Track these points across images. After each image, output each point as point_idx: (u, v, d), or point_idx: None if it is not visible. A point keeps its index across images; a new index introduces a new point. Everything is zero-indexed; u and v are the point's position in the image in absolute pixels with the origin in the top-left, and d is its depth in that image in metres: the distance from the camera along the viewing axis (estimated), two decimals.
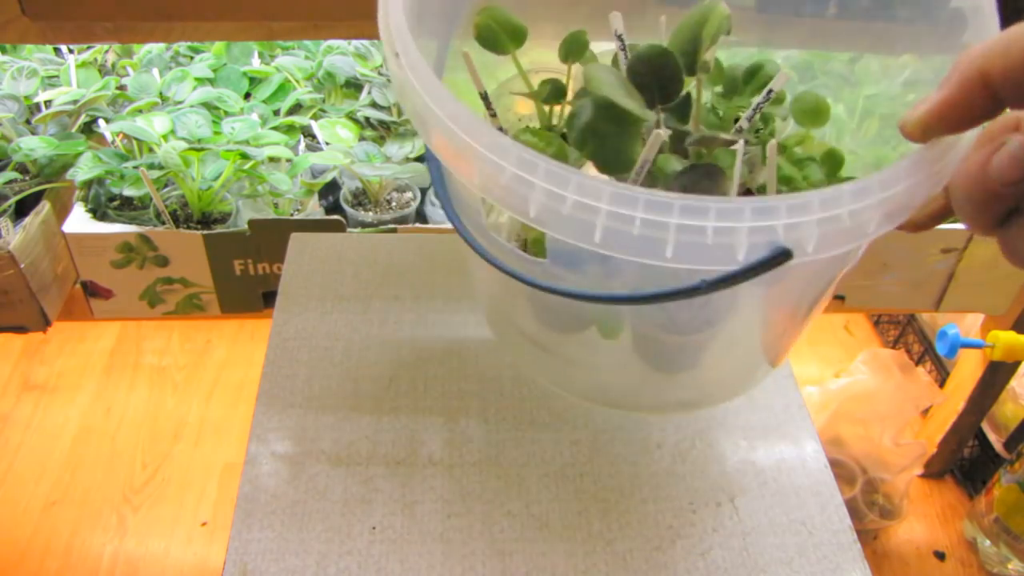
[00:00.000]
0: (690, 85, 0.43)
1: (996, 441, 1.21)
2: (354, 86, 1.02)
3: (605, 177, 0.34)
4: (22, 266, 0.76)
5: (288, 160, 0.87)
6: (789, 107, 0.46)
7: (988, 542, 1.14)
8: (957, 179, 0.30)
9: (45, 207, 0.81)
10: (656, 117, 0.41)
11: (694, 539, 0.48)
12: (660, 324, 0.42)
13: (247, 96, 0.99)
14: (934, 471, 1.26)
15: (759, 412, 0.55)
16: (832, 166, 0.45)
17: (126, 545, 1.11)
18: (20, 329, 0.82)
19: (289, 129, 0.93)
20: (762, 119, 0.46)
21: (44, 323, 0.81)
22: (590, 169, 0.40)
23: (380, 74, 1.01)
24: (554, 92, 0.46)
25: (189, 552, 1.11)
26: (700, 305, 0.40)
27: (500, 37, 0.44)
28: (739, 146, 0.40)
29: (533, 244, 0.43)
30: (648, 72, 0.40)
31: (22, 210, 0.80)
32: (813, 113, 0.45)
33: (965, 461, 1.26)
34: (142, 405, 1.31)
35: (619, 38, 0.43)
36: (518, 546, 0.47)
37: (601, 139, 0.39)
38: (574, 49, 0.46)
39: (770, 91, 0.43)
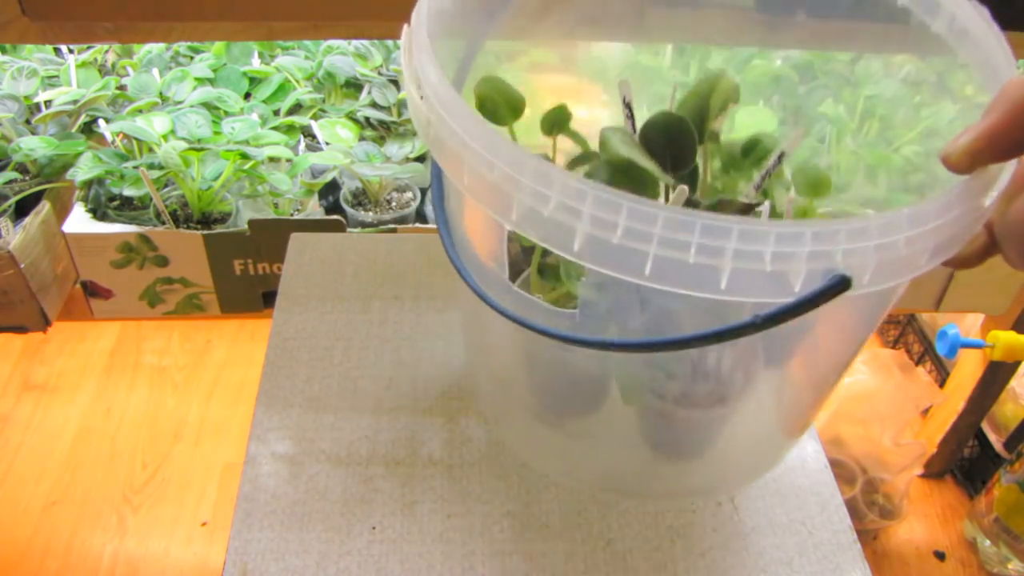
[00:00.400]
0: (697, 155, 0.43)
1: (996, 441, 1.21)
2: (354, 86, 1.02)
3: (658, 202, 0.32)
4: (22, 266, 0.76)
5: (288, 160, 0.87)
6: (791, 178, 0.46)
7: (988, 542, 1.14)
8: (1013, 216, 0.29)
9: (45, 207, 0.81)
10: (671, 181, 0.40)
11: (694, 539, 0.48)
12: (675, 397, 0.40)
13: (247, 96, 0.99)
14: (934, 471, 1.26)
15: None
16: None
17: (126, 545, 1.11)
18: (20, 329, 0.82)
19: (289, 129, 0.93)
20: (762, 192, 0.46)
21: (44, 323, 0.81)
22: None
23: (380, 74, 1.01)
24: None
25: (189, 552, 1.11)
26: (718, 373, 0.38)
27: (500, 109, 0.44)
28: (764, 207, 0.39)
29: (558, 301, 0.42)
30: (662, 139, 0.39)
31: (22, 210, 0.80)
32: (815, 184, 0.45)
33: (965, 461, 1.26)
34: (142, 405, 1.31)
35: (627, 106, 0.43)
36: (518, 546, 0.47)
37: None
38: (557, 122, 0.46)
39: (782, 153, 0.42)
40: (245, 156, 0.83)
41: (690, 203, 0.42)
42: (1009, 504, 1.09)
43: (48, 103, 0.90)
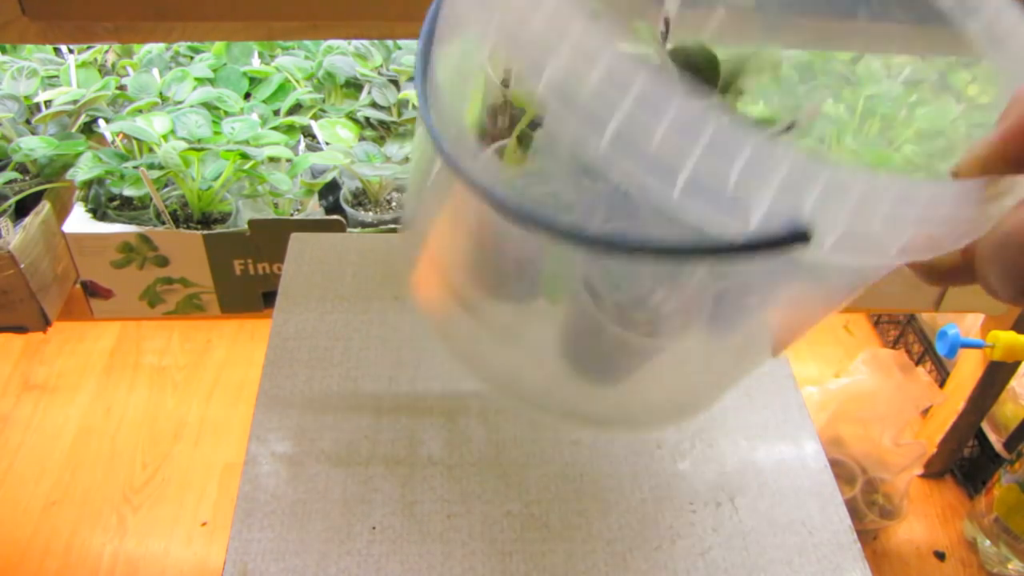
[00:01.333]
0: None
1: (996, 441, 1.21)
2: (354, 86, 1.02)
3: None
4: (22, 266, 0.76)
5: (288, 160, 0.87)
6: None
7: (988, 542, 1.14)
8: (999, 236, 0.26)
9: (45, 207, 0.81)
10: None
11: (694, 539, 0.48)
12: (610, 308, 0.36)
13: (247, 96, 0.99)
14: (934, 471, 1.26)
15: (759, 412, 0.55)
16: None
17: (126, 545, 1.11)
18: (20, 329, 0.82)
19: (289, 129, 0.93)
20: None
21: (44, 323, 0.81)
22: None
23: (380, 74, 1.01)
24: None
25: (189, 552, 1.11)
26: (658, 307, 0.36)
27: None
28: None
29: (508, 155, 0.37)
30: (686, 68, 0.38)
31: (22, 210, 0.80)
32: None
33: (965, 461, 1.26)
34: (142, 405, 1.31)
35: (664, 20, 0.40)
36: (518, 546, 0.47)
37: None
38: None
39: (791, 124, 0.41)
40: (245, 156, 0.83)
41: None
42: (1009, 504, 1.09)
43: (48, 103, 0.90)
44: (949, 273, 0.30)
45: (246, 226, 0.81)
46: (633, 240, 0.27)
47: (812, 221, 0.24)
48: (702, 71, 0.38)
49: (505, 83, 0.37)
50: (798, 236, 0.24)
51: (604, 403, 0.45)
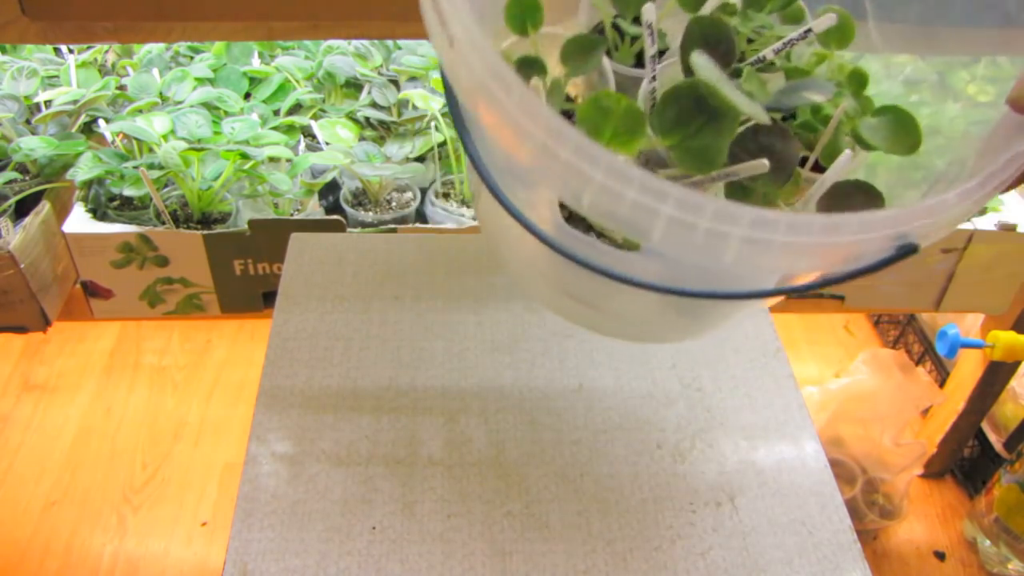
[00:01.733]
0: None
1: (996, 441, 1.21)
2: (354, 86, 1.02)
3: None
4: (22, 266, 0.76)
5: (288, 160, 0.87)
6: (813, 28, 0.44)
7: (988, 542, 1.14)
8: None
9: (45, 207, 0.81)
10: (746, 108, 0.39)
11: (694, 539, 0.48)
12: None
13: (247, 96, 0.99)
14: (934, 471, 1.26)
15: (759, 412, 0.55)
16: (858, 86, 0.43)
17: (126, 545, 1.11)
18: (20, 329, 0.82)
19: (289, 129, 0.93)
20: (785, 55, 0.44)
21: (44, 323, 0.81)
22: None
23: (380, 74, 1.01)
24: (536, 69, 0.42)
25: (189, 552, 1.11)
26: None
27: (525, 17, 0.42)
28: (845, 154, 0.38)
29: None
30: (703, 46, 0.37)
31: (22, 210, 0.80)
32: (839, 33, 0.43)
33: (965, 461, 1.26)
34: (142, 405, 1.31)
35: (648, 26, 0.41)
36: (518, 546, 0.47)
37: (694, 131, 0.35)
38: (528, 14, 0.43)
39: (808, 30, 0.41)
40: (245, 156, 0.83)
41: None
42: (1009, 504, 1.09)
43: (48, 103, 0.90)
44: None
45: (246, 226, 0.81)
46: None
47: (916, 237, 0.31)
48: (720, 43, 0.38)
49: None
50: (910, 250, 0.31)
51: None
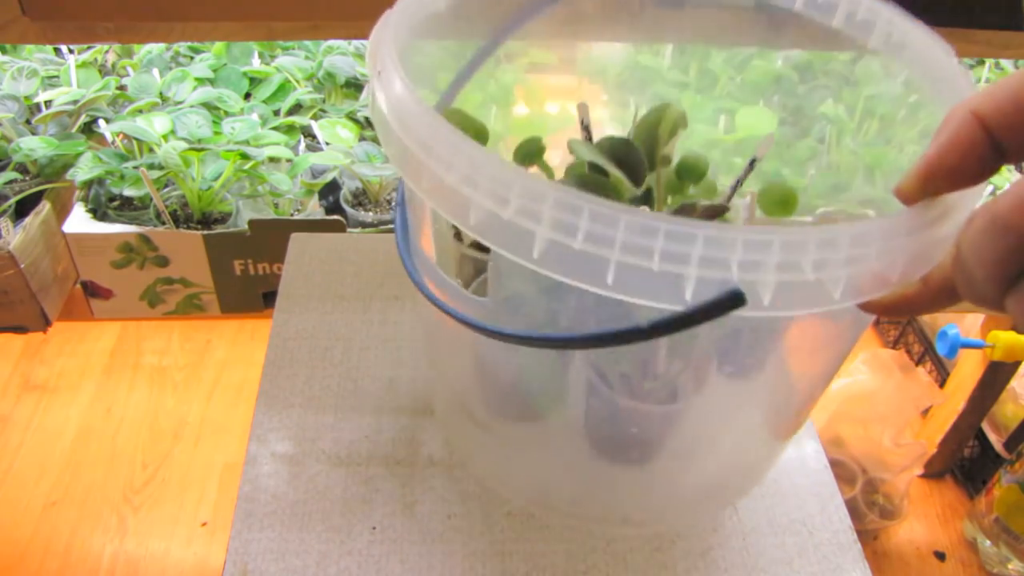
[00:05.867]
0: (650, 178, 0.43)
1: (996, 441, 1.21)
2: (354, 86, 1.02)
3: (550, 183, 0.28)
4: (22, 266, 0.76)
5: (288, 160, 0.87)
6: (757, 198, 0.45)
7: (988, 542, 1.14)
8: (974, 230, 0.24)
9: (45, 207, 0.81)
10: (636, 192, 0.40)
11: (694, 539, 0.48)
12: (622, 387, 0.38)
13: (247, 96, 0.99)
14: (934, 471, 1.26)
15: None
16: None
17: (126, 545, 1.11)
18: (20, 329, 0.82)
19: (289, 129, 0.93)
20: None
21: (44, 323, 0.81)
22: None
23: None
24: None
25: (189, 552, 1.11)
26: (662, 371, 0.37)
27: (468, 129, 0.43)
28: (747, 200, 0.39)
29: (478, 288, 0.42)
30: (613, 162, 0.40)
31: (22, 210, 0.80)
32: (781, 204, 0.44)
33: (965, 461, 1.26)
34: (142, 405, 1.31)
35: (585, 128, 0.43)
36: (518, 546, 0.47)
37: None
38: (530, 155, 0.45)
39: (753, 160, 0.43)
40: (245, 156, 0.83)
41: None
42: (1009, 504, 1.09)
43: (48, 103, 0.90)
44: (917, 303, 0.29)
45: (246, 226, 0.81)
46: (587, 335, 0.30)
47: (743, 282, 0.26)
48: (629, 156, 0.40)
49: (456, 236, 0.43)
50: (734, 299, 0.26)
51: (640, 493, 0.46)
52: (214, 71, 0.98)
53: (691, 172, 0.44)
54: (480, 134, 0.43)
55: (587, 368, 0.38)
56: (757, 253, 0.26)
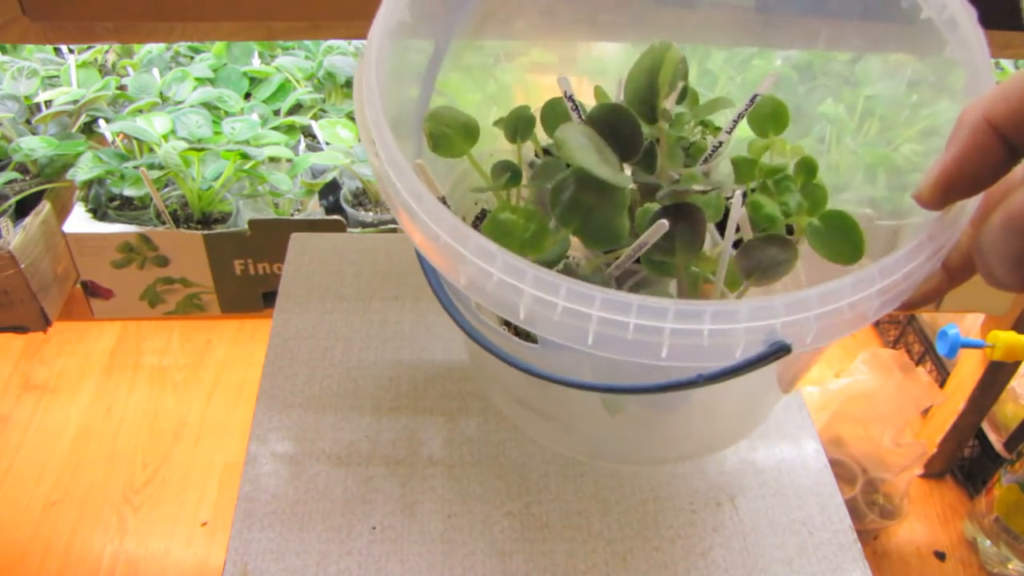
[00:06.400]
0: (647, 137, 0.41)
1: (996, 441, 1.21)
2: None
3: (595, 288, 0.30)
4: (22, 266, 0.76)
5: (288, 160, 0.87)
6: (748, 121, 0.44)
7: (988, 542, 1.14)
8: (994, 226, 0.25)
9: (45, 207, 0.81)
10: (629, 180, 0.39)
11: (694, 539, 0.48)
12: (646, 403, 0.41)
13: (247, 96, 0.99)
14: (934, 471, 1.26)
15: None
16: (807, 175, 0.43)
17: (126, 545, 1.11)
18: (20, 329, 0.82)
19: (289, 129, 0.93)
20: (712, 131, 0.45)
21: (44, 323, 0.81)
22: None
23: None
24: (512, 177, 0.44)
25: (189, 552, 1.11)
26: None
27: (454, 140, 0.42)
28: (736, 196, 0.38)
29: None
30: (607, 131, 0.38)
31: (22, 210, 0.80)
32: (773, 119, 0.44)
33: (965, 461, 1.26)
34: (142, 405, 1.31)
35: (570, 99, 0.42)
36: (518, 546, 0.47)
37: (586, 213, 0.37)
38: (521, 127, 0.45)
39: (755, 97, 0.42)
40: (245, 156, 0.83)
41: (648, 188, 0.41)
42: (1009, 504, 1.09)
43: (48, 103, 0.90)
44: (929, 295, 0.32)
45: (246, 226, 0.81)
46: (662, 384, 0.33)
47: (786, 335, 0.29)
48: (621, 124, 0.39)
49: None
50: (780, 350, 0.29)
51: (680, 445, 0.49)
52: (214, 71, 0.98)
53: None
54: (469, 128, 0.43)
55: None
56: (799, 311, 0.29)
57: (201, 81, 0.96)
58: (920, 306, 0.33)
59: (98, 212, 0.84)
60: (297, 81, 1.00)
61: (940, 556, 1.17)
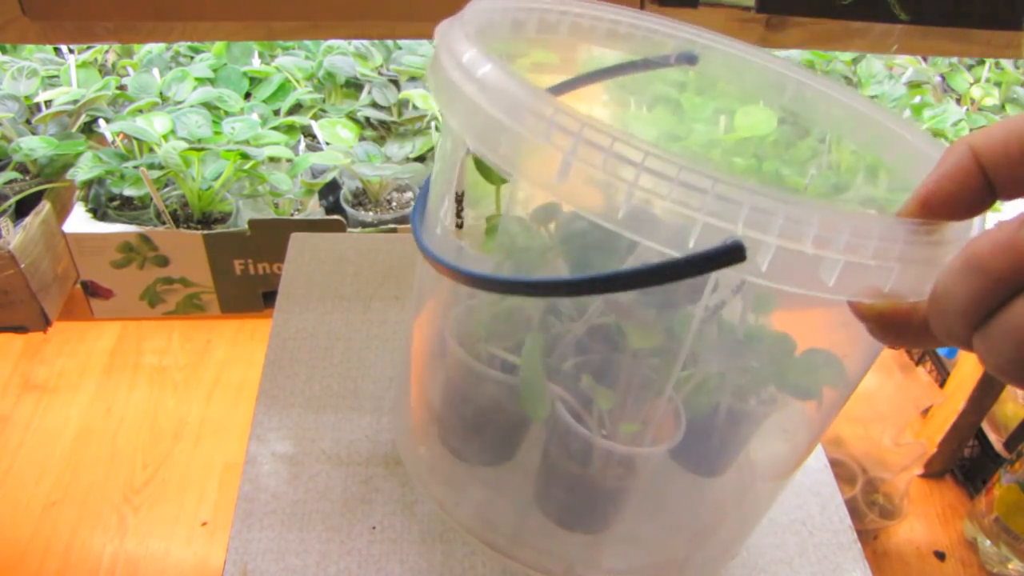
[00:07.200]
0: None
1: (996, 441, 1.21)
2: (354, 86, 1.02)
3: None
4: (22, 266, 0.76)
5: (288, 160, 0.87)
6: None
7: (988, 542, 1.14)
8: (950, 268, 0.25)
9: (45, 207, 0.81)
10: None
11: None
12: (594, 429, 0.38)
13: (247, 96, 0.99)
14: (934, 471, 1.26)
15: None
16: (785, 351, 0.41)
17: (126, 545, 1.11)
18: (20, 329, 0.82)
19: (289, 129, 0.93)
20: None
21: (44, 323, 0.81)
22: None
23: (380, 74, 1.01)
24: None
25: (189, 552, 1.11)
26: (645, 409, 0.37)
27: (492, 173, 0.42)
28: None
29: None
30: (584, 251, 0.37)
31: (22, 210, 0.80)
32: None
33: (965, 461, 1.26)
34: (142, 405, 1.31)
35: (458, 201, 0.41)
36: None
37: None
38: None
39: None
40: (245, 156, 0.83)
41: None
42: (1009, 504, 1.09)
43: (48, 103, 0.90)
44: (907, 323, 0.29)
45: (246, 226, 0.81)
46: (594, 277, 0.30)
47: (746, 239, 0.26)
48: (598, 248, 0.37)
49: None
50: (735, 252, 0.26)
51: (576, 546, 0.45)
52: (214, 71, 0.98)
53: None
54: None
55: (560, 406, 0.38)
56: (764, 214, 0.26)
57: (201, 81, 0.96)
58: (883, 328, 0.29)
59: (98, 212, 0.84)
60: (297, 81, 1.00)
61: (940, 556, 1.17)
